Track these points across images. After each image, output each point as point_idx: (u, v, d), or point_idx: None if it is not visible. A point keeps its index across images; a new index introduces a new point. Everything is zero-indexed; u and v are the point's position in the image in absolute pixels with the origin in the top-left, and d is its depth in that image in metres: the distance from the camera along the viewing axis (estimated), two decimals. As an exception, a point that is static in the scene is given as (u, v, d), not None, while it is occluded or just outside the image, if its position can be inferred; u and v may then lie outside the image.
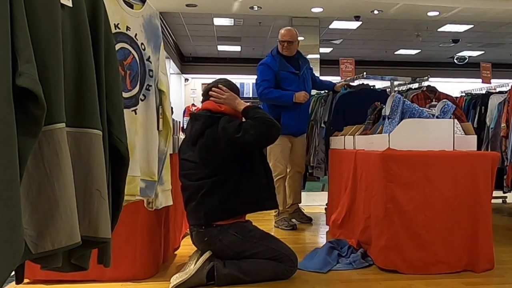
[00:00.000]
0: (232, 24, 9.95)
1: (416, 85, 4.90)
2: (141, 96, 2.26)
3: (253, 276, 2.62)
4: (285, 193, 4.40)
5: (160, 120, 2.42)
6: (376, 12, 7.96)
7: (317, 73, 7.96)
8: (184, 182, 2.83)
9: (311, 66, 4.70)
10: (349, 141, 3.69)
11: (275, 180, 4.22)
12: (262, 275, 2.64)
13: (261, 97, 4.28)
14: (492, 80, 6.29)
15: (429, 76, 4.96)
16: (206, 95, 2.92)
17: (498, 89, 5.32)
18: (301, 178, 4.68)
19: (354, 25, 9.75)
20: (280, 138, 4.08)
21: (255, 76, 4.35)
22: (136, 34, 2.21)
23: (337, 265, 2.97)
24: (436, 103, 3.40)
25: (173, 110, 2.90)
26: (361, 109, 3.95)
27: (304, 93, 4.21)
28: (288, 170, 4.46)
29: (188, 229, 2.99)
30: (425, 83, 4.76)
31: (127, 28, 2.16)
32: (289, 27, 4.46)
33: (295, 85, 4.24)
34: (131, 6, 2.21)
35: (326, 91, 4.90)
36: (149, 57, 2.30)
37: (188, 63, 13.57)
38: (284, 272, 2.70)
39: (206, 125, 2.75)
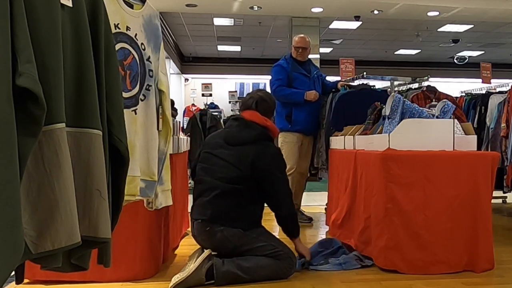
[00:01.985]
0: (232, 24, 9.95)
1: (416, 85, 4.90)
2: (141, 96, 2.26)
3: (252, 274, 2.62)
4: (292, 190, 4.45)
5: (160, 120, 2.42)
6: (376, 12, 7.97)
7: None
8: (202, 176, 2.84)
9: (322, 73, 4.92)
10: (349, 141, 3.69)
11: None
12: (261, 273, 2.64)
13: (275, 94, 4.53)
14: (492, 80, 6.29)
15: (429, 76, 4.96)
16: (251, 105, 2.96)
17: (498, 89, 5.31)
18: (303, 181, 4.73)
19: (354, 25, 9.75)
20: (291, 134, 4.49)
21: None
22: (136, 34, 2.21)
23: (326, 265, 2.94)
24: (436, 103, 3.40)
25: (178, 111, 2.93)
26: (361, 109, 3.95)
27: (315, 92, 4.48)
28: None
29: (187, 229, 2.99)
30: (425, 83, 4.76)
31: (127, 28, 2.16)
32: (302, 35, 4.75)
33: (306, 86, 4.52)
34: (131, 6, 2.21)
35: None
36: (149, 57, 2.30)
37: (188, 63, 13.56)
38: (283, 271, 2.70)
39: (258, 138, 2.81)
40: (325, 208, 4.67)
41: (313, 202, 5.90)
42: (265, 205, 2.89)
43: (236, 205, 2.72)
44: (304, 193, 4.88)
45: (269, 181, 2.78)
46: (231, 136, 2.87)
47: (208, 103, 11.79)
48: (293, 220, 2.92)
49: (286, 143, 4.49)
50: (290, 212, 2.88)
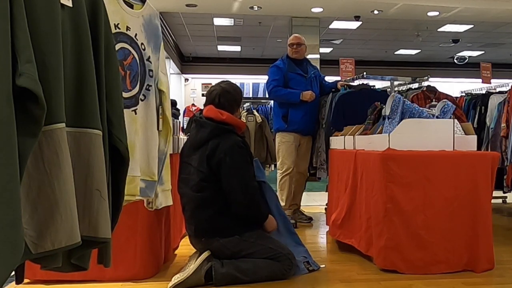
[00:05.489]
0: (232, 24, 9.94)
1: (416, 85, 4.90)
2: (141, 96, 2.26)
3: (251, 275, 2.62)
4: (291, 190, 4.51)
5: (160, 120, 2.42)
6: (376, 12, 7.96)
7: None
8: (182, 187, 2.85)
9: (321, 74, 4.93)
10: (349, 141, 3.69)
11: (281, 176, 4.46)
12: (260, 274, 2.64)
13: (271, 95, 4.67)
14: (492, 80, 6.28)
15: (429, 76, 4.96)
16: (214, 98, 2.90)
17: (498, 89, 5.31)
18: (302, 181, 4.74)
19: (354, 25, 9.74)
20: (288, 134, 4.52)
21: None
22: (136, 34, 2.21)
23: None
24: (436, 103, 3.40)
25: (180, 111, 2.91)
26: (361, 109, 3.95)
27: (311, 92, 4.46)
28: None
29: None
30: (425, 83, 4.76)
31: (127, 28, 2.16)
32: (296, 34, 4.80)
33: (302, 86, 4.50)
34: (131, 6, 2.22)
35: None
36: (149, 57, 2.30)
37: (188, 63, 13.56)
38: (282, 272, 2.69)
39: (212, 134, 2.76)
40: (325, 208, 4.67)
41: (313, 202, 5.91)
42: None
43: (214, 215, 2.70)
44: (304, 193, 4.88)
45: (223, 173, 2.69)
46: (193, 139, 2.86)
47: (208, 103, 11.76)
48: (254, 209, 2.76)
49: (283, 143, 4.52)
50: (249, 202, 2.71)
